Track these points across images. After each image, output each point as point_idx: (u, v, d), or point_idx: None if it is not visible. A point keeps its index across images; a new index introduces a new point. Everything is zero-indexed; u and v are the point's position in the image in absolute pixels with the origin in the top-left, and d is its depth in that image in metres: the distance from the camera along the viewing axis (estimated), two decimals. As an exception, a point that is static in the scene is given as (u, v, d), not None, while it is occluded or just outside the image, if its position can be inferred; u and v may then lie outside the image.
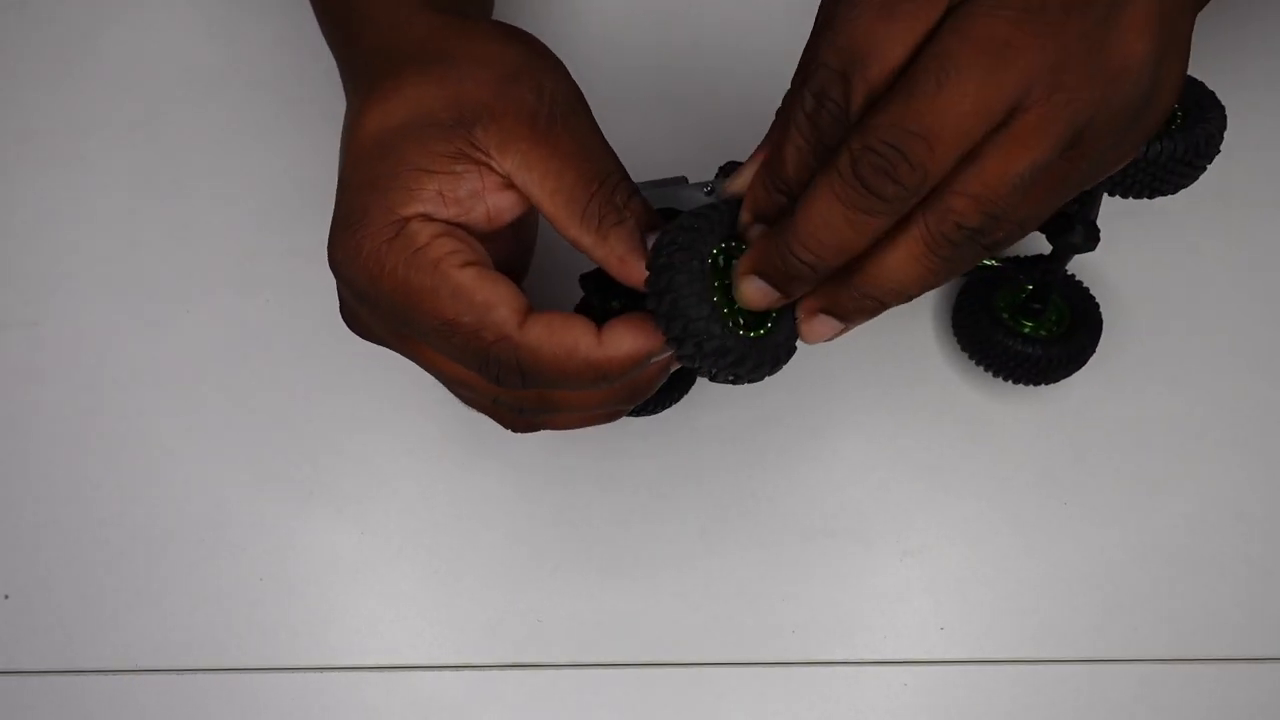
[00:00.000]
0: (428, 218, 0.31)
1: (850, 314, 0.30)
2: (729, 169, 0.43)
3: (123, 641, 0.44)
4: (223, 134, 0.51)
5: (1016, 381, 0.45)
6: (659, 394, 0.43)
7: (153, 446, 0.47)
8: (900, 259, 0.28)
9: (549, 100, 0.32)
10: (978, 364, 0.45)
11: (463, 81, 0.31)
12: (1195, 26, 0.29)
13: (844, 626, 0.44)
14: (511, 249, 0.35)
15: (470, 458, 0.46)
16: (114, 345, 0.48)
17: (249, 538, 0.45)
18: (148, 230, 0.50)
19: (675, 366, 0.34)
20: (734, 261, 0.31)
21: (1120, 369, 0.48)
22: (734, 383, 0.31)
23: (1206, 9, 0.32)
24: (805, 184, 0.28)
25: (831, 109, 0.27)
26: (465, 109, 0.31)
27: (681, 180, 0.34)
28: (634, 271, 0.31)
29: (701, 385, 0.46)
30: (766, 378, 0.31)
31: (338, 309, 0.35)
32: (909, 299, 0.29)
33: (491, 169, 0.31)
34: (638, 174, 0.35)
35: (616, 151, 0.33)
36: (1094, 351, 0.45)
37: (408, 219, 0.30)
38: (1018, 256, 0.44)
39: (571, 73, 0.33)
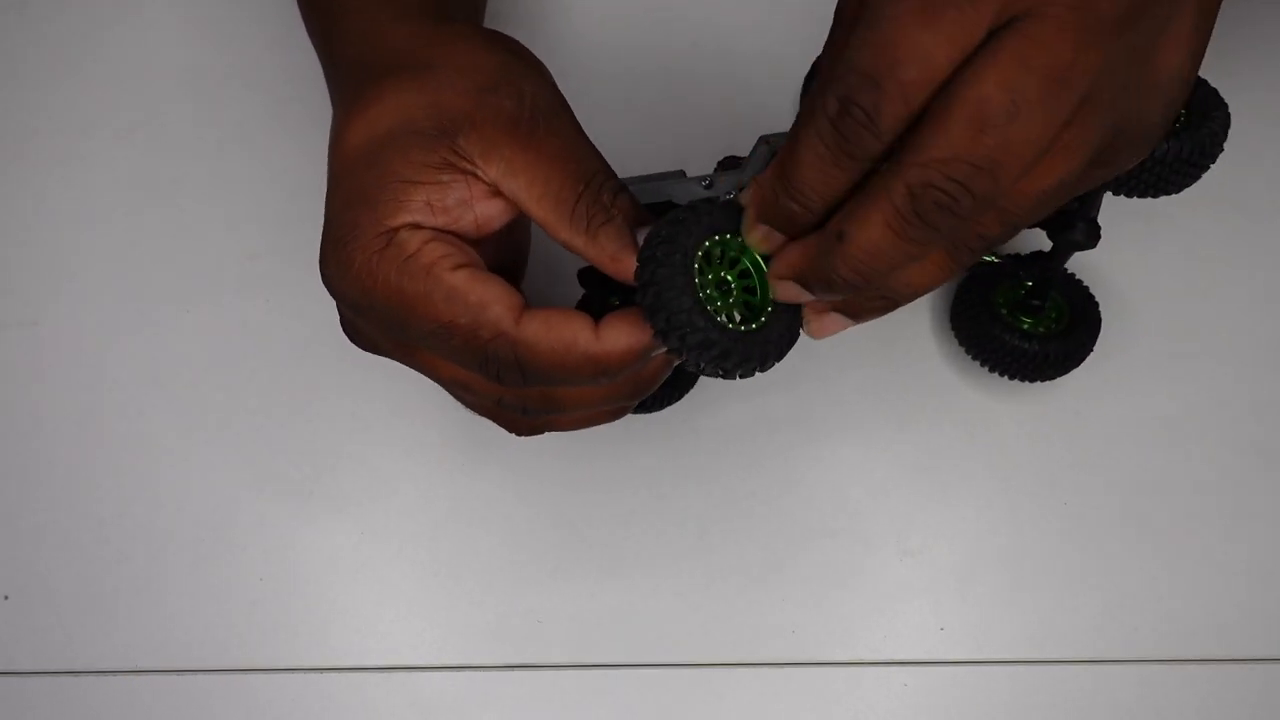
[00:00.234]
0: (417, 226, 0.31)
1: (863, 312, 0.30)
2: (729, 163, 0.43)
3: (123, 641, 0.44)
4: (223, 134, 0.51)
5: (1014, 378, 0.45)
6: (661, 391, 0.43)
7: (153, 447, 0.47)
8: (923, 265, 0.28)
9: (530, 105, 0.32)
10: (975, 359, 0.45)
11: (442, 90, 0.31)
12: None
13: (844, 626, 0.44)
14: (506, 252, 0.35)
15: (470, 459, 0.46)
16: (114, 345, 0.48)
17: (249, 538, 0.45)
18: (148, 230, 0.50)
19: (677, 361, 0.34)
20: (730, 255, 0.31)
21: (1120, 368, 0.48)
22: (725, 377, 0.31)
23: None
24: (822, 193, 0.27)
25: (859, 116, 0.25)
26: (447, 118, 0.31)
27: (679, 174, 0.34)
28: (626, 268, 0.31)
29: (702, 384, 0.46)
30: (760, 373, 0.31)
31: (337, 314, 0.35)
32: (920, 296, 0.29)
33: (478, 177, 0.31)
34: (635, 173, 0.35)
35: (615, 150, 0.33)
36: (1092, 349, 0.45)
37: (396, 229, 0.30)
38: (1017, 253, 0.44)
39: (567, 72, 0.33)
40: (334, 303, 0.35)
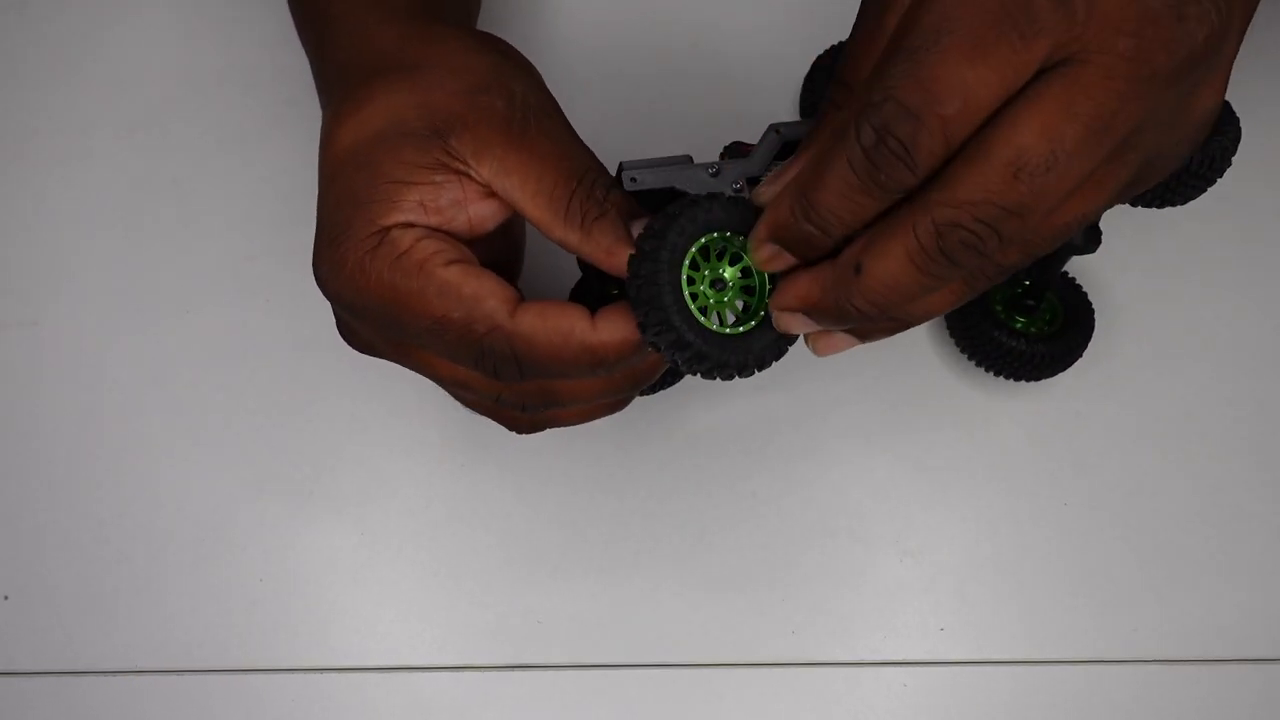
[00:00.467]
0: (409, 225, 0.31)
1: (871, 333, 0.30)
2: (734, 149, 0.43)
3: (123, 642, 0.44)
4: (223, 135, 0.51)
5: (1005, 376, 0.45)
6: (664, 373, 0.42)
7: (153, 447, 0.47)
8: (940, 293, 0.28)
9: (521, 105, 0.32)
10: (966, 355, 0.45)
11: (433, 91, 0.31)
12: None
13: (844, 626, 0.44)
14: (500, 253, 0.35)
15: (470, 459, 0.46)
16: (114, 345, 0.48)
17: (249, 538, 0.45)
18: (147, 230, 0.50)
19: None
20: (732, 251, 0.30)
21: (1121, 369, 0.48)
22: (704, 378, 0.30)
23: None
24: (845, 220, 0.27)
25: (895, 148, 0.25)
26: (439, 118, 0.31)
27: (686, 159, 0.34)
28: (621, 262, 0.31)
29: (703, 384, 0.46)
30: (742, 377, 0.30)
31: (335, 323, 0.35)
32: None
33: (471, 178, 0.31)
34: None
35: (614, 152, 0.33)
36: (1082, 353, 0.45)
37: (389, 227, 0.30)
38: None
39: (565, 73, 0.33)
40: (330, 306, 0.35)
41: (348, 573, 0.45)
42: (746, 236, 0.30)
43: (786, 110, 0.51)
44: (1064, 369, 0.45)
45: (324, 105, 0.35)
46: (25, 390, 0.47)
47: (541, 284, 0.46)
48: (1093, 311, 0.46)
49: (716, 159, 0.34)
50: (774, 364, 0.31)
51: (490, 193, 0.32)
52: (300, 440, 0.47)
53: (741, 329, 0.30)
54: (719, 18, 0.53)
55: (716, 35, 0.53)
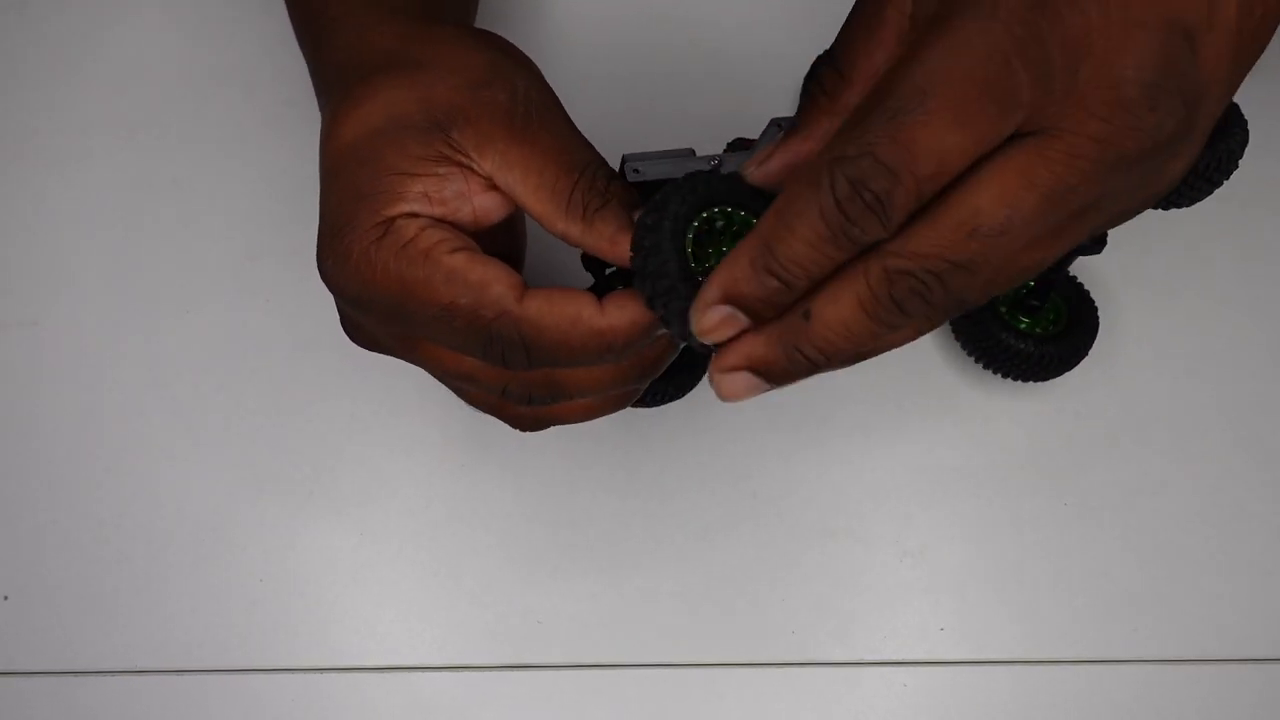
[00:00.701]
0: (414, 215, 0.31)
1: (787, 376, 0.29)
2: (738, 145, 0.42)
3: (123, 642, 0.44)
4: (223, 134, 0.51)
5: (1007, 376, 0.45)
6: (663, 385, 0.42)
7: (153, 447, 0.47)
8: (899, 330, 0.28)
9: (523, 99, 0.32)
10: (969, 355, 0.45)
11: (435, 86, 0.31)
12: None
13: (844, 626, 0.44)
14: (503, 248, 0.35)
15: (470, 459, 0.46)
16: (114, 345, 0.48)
17: (249, 538, 0.45)
18: (148, 230, 0.50)
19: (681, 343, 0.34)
20: (734, 229, 0.30)
21: (1122, 369, 0.48)
22: (708, 353, 0.30)
23: None
24: (809, 271, 0.26)
25: (870, 201, 0.25)
26: (439, 112, 0.31)
27: (689, 152, 0.34)
28: (624, 250, 0.31)
29: (703, 383, 0.46)
30: None
31: (338, 317, 0.35)
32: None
33: (474, 171, 0.31)
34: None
35: (613, 151, 0.33)
36: (1086, 354, 0.45)
37: (393, 218, 0.30)
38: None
39: (564, 72, 0.33)
40: (334, 302, 0.35)
41: (348, 573, 0.45)
42: (748, 212, 0.30)
43: (787, 108, 0.51)
44: (1069, 369, 0.45)
45: (322, 106, 0.35)
46: (25, 390, 0.47)
47: (542, 284, 0.46)
48: (1097, 312, 0.46)
49: (719, 152, 0.34)
50: None
51: (492, 186, 0.32)
52: (300, 440, 0.47)
53: None
54: (719, 15, 0.53)
55: (716, 33, 0.53)
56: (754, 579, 0.45)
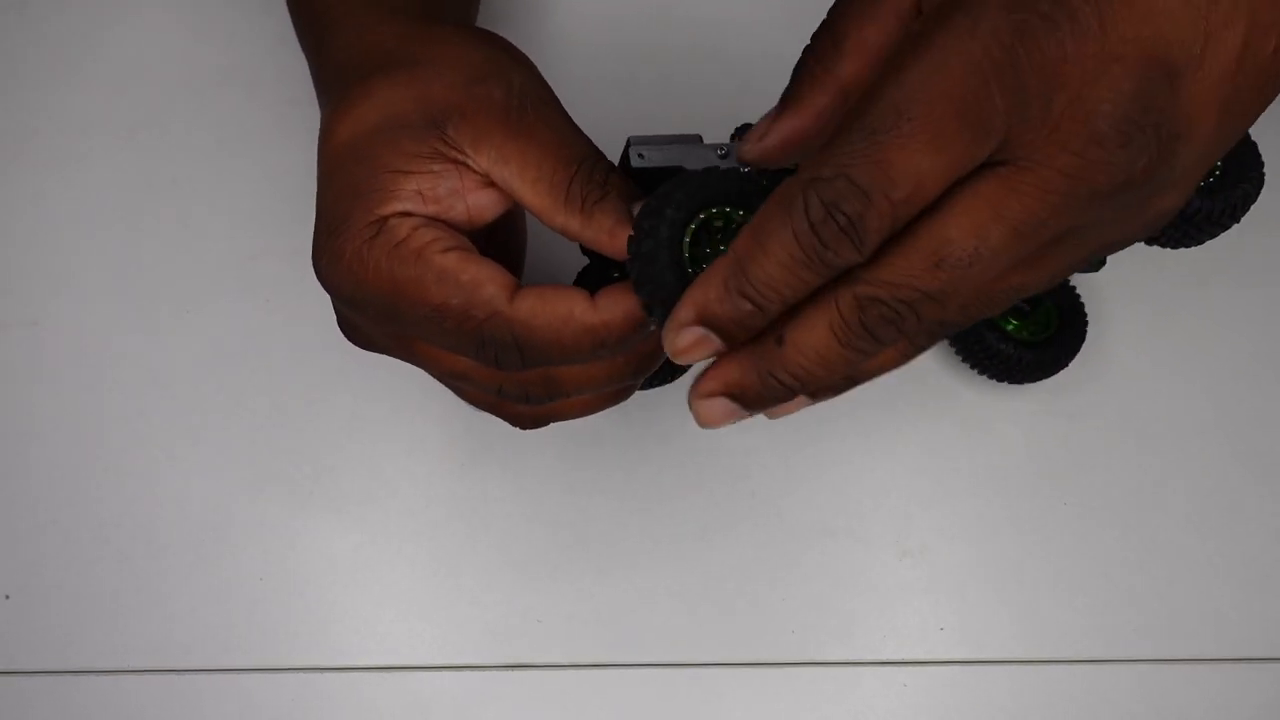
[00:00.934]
0: (407, 214, 0.31)
1: (821, 391, 0.30)
2: (744, 131, 0.42)
3: (123, 642, 0.44)
4: (223, 134, 0.51)
5: (992, 378, 0.45)
6: (667, 364, 0.42)
7: (153, 447, 0.47)
8: (881, 355, 0.28)
9: (519, 95, 0.32)
10: (957, 354, 0.45)
11: (431, 84, 0.31)
12: None
13: (844, 626, 0.44)
14: (500, 248, 0.35)
15: (470, 458, 0.46)
16: (114, 345, 0.48)
17: (249, 538, 0.45)
18: (148, 230, 0.50)
19: None
20: (734, 228, 0.30)
21: (1120, 370, 0.48)
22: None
23: None
24: (782, 294, 0.26)
25: (843, 223, 0.24)
26: (435, 109, 0.31)
27: (696, 139, 0.33)
28: (623, 243, 0.31)
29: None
30: None
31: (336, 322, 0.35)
32: None
33: (469, 167, 0.31)
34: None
35: (615, 144, 0.33)
36: (1070, 360, 0.45)
37: (387, 217, 0.30)
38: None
39: (564, 71, 0.33)
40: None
41: (348, 573, 0.45)
42: (747, 211, 0.30)
43: (786, 110, 0.51)
44: (1049, 375, 0.45)
45: (323, 106, 0.35)
46: (25, 390, 0.47)
47: (543, 282, 0.46)
48: (1086, 319, 0.46)
49: (727, 140, 0.33)
50: None
51: (489, 182, 0.32)
52: (300, 440, 0.47)
53: None
54: (719, 15, 0.53)
55: (716, 32, 0.53)
56: (753, 579, 0.45)
